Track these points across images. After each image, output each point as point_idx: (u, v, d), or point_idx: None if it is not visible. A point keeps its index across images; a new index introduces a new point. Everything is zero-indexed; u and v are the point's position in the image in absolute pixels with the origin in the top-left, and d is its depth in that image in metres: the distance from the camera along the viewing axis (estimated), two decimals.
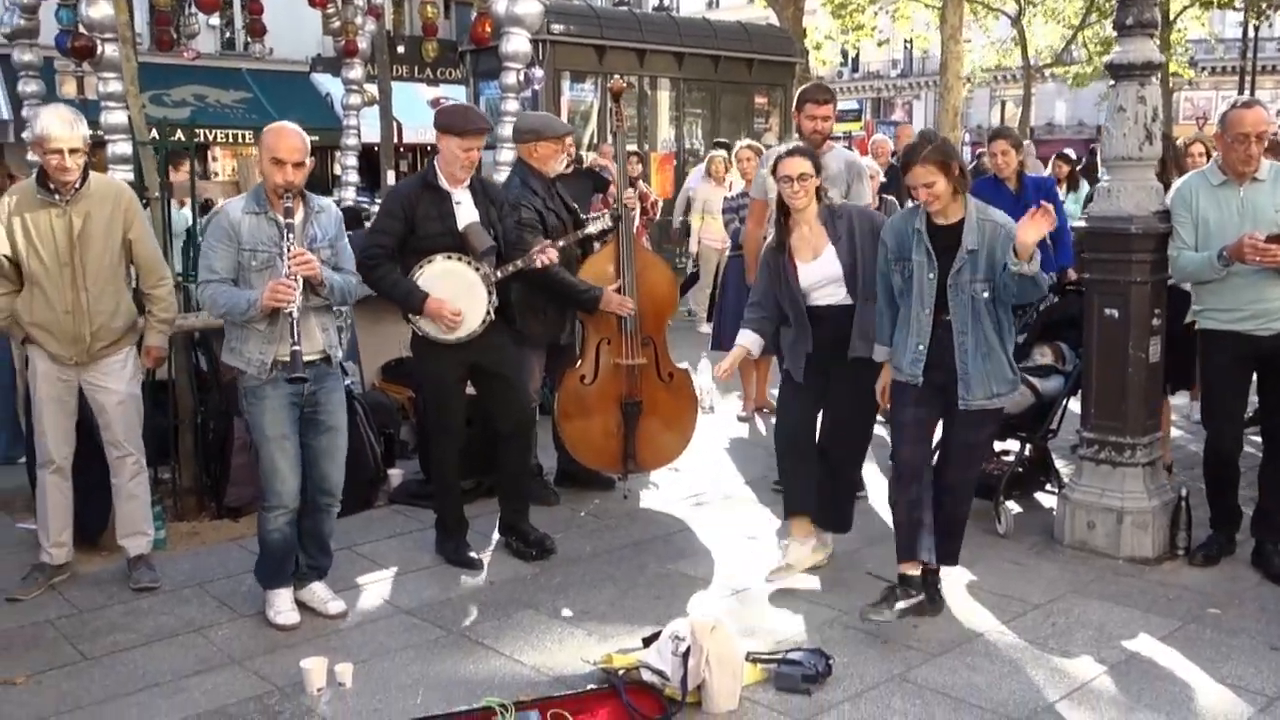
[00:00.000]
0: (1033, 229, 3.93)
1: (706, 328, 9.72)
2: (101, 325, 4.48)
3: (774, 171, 4.64)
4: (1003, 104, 43.87)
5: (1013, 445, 5.60)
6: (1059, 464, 5.81)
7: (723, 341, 7.43)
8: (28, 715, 3.57)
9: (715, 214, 10.00)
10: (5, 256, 4.34)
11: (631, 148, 12.79)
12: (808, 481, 4.73)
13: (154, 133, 6.00)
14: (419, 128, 21.23)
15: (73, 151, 4.31)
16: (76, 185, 4.38)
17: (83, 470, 4.70)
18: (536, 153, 5.54)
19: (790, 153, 4.63)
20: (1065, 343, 5.75)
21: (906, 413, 4.36)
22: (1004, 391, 4.23)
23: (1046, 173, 9.94)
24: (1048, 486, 5.75)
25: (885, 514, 4.84)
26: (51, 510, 4.60)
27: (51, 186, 4.36)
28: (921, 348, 4.22)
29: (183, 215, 7.38)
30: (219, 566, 4.88)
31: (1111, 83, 5.08)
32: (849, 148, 7.18)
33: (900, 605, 4.18)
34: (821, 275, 4.61)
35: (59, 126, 4.29)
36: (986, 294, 4.12)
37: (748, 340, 4.75)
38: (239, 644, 4.14)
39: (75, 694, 3.74)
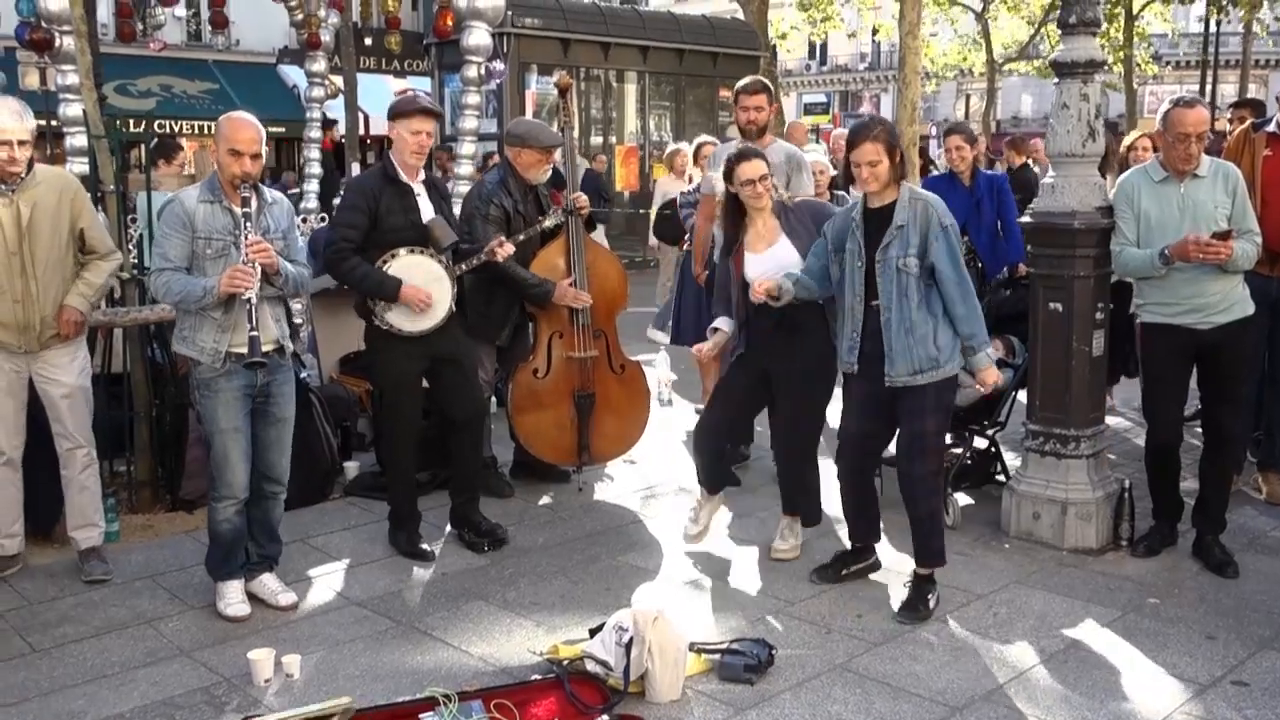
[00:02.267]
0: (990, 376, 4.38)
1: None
2: (50, 314, 4.49)
3: (727, 176, 4.72)
4: (967, 98, 44.13)
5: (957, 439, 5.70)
6: (1008, 456, 5.90)
7: (679, 335, 7.49)
8: None
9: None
10: None
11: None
12: (714, 460, 5.02)
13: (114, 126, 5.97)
14: (384, 120, 21.13)
15: (21, 143, 4.32)
16: (22, 175, 4.38)
17: (34, 462, 4.69)
18: (520, 158, 5.58)
19: (743, 156, 4.72)
20: (1015, 336, 5.84)
21: (850, 424, 4.60)
22: (926, 369, 4.26)
23: (1001, 169, 10.05)
24: (997, 479, 5.84)
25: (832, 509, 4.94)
26: (3, 503, 4.59)
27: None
28: (856, 335, 4.37)
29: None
30: (171, 559, 4.89)
31: (1056, 80, 5.17)
32: (817, 140, 7.28)
33: (847, 570, 4.62)
34: (773, 265, 4.68)
35: (8, 118, 4.28)
36: (916, 270, 4.23)
37: (725, 324, 4.83)
38: (188, 636, 4.16)
39: (23, 685, 3.75)
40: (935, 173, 8.08)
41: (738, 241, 4.77)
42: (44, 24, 6.12)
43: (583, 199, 5.73)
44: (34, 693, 3.70)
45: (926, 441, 4.39)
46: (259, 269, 4.08)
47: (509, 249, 5.09)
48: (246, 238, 4.09)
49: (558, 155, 5.89)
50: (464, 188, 6.61)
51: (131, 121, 18.01)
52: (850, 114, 44.87)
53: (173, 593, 4.54)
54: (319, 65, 9.43)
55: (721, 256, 4.91)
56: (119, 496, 5.34)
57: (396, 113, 4.83)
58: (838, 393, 4.89)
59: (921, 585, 4.42)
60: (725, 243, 4.83)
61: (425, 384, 5.11)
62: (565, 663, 3.73)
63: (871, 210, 4.34)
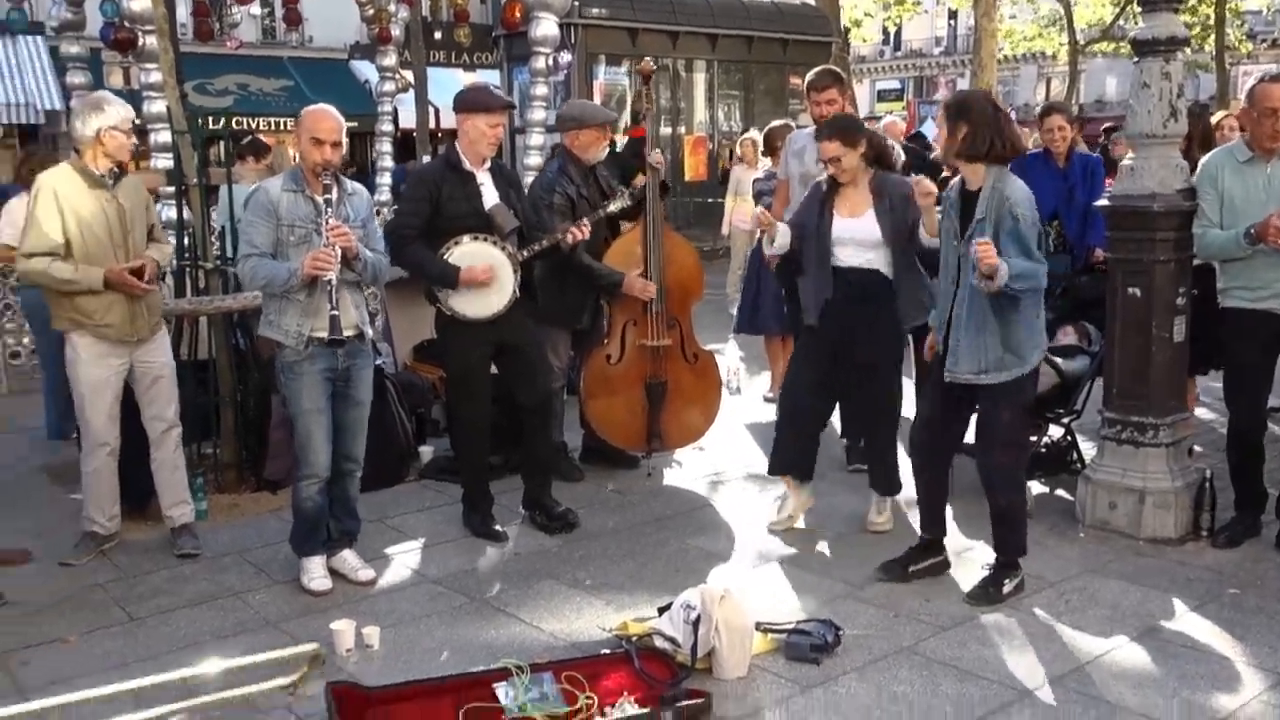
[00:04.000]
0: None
1: (733, 309, 9.80)
2: (152, 302, 4.71)
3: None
4: (1048, 81, 43.19)
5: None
6: (1084, 445, 5.83)
7: (756, 324, 7.53)
8: (78, 672, 3.75)
9: (747, 195, 10.06)
10: (58, 244, 4.50)
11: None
12: (796, 445, 5.04)
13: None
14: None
15: (120, 155, 4.60)
16: (118, 174, 4.60)
17: (127, 445, 4.89)
18: (578, 140, 5.65)
19: (819, 137, 4.80)
20: (1092, 323, 5.77)
21: (925, 402, 4.56)
22: (990, 369, 4.16)
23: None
24: (1072, 467, 5.77)
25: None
26: (104, 488, 4.81)
27: (99, 173, 4.54)
28: (944, 316, 4.33)
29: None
30: (257, 536, 5.07)
31: (1136, 59, 5.08)
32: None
33: (914, 567, 4.49)
34: (856, 232, 4.75)
35: (130, 111, 4.56)
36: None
37: (783, 235, 4.91)
38: (274, 608, 4.32)
39: (122, 651, 3.93)
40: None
41: (829, 203, 4.81)
42: (127, 24, 6.35)
43: (658, 156, 5.79)
44: (133, 658, 3.88)
45: (999, 432, 4.26)
46: (339, 253, 4.23)
47: (583, 233, 5.18)
48: (327, 223, 4.23)
49: (623, 140, 5.95)
50: (532, 179, 6.70)
51: (210, 119, 18.50)
52: (925, 100, 44.20)
53: (259, 567, 4.71)
54: (390, 60, 9.63)
55: (814, 192, 4.96)
56: (206, 477, 5.53)
57: (471, 106, 4.93)
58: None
59: (1000, 571, 4.37)
60: (818, 203, 4.87)
61: (495, 370, 5.22)
62: (634, 639, 3.80)
63: (966, 191, 4.25)
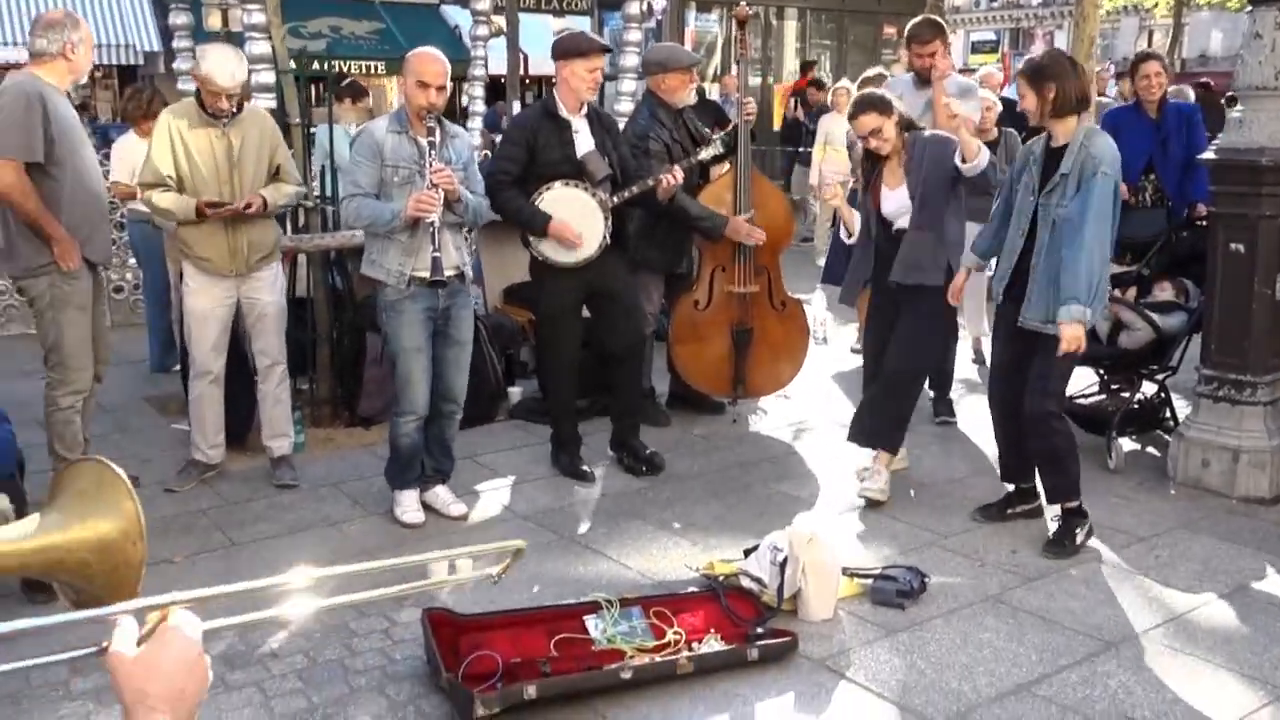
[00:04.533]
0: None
1: (821, 260, 9.73)
2: (256, 239, 4.82)
3: (851, 121, 4.82)
4: (1150, 34, 41.71)
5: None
6: (1178, 403, 5.73)
7: (835, 275, 7.49)
8: (186, 589, 3.93)
9: (837, 146, 9.94)
10: (169, 176, 4.67)
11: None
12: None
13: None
14: (545, 59, 21.41)
15: (229, 96, 4.65)
16: (233, 112, 4.70)
17: (230, 378, 5.07)
18: (664, 84, 5.65)
19: (859, 109, 4.74)
20: (1191, 279, 5.64)
21: (998, 351, 4.59)
22: (1059, 319, 4.15)
23: None
24: (1165, 424, 5.68)
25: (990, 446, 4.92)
26: (208, 416, 4.99)
27: (210, 112, 4.68)
28: (1008, 269, 4.36)
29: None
30: (351, 469, 5.22)
31: (1249, 8, 4.92)
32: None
33: (1012, 510, 4.58)
34: (901, 203, 4.75)
35: (222, 77, 4.59)
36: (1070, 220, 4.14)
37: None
38: (369, 538, 4.47)
39: (223, 574, 4.10)
40: (1112, 105, 7.72)
41: (876, 175, 4.82)
42: None
43: (751, 105, 5.75)
44: (234, 580, 4.03)
45: (1050, 382, 4.32)
46: (442, 195, 4.30)
47: (677, 178, 5.20)
48: (431, 165, 4.31)
49: (732, 89, 5.93)
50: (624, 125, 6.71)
51: (308, 61, 18.72)
52: (1020, 53, 42.99)
53: (354, 499, 4.87)
54: (483, 4, 9.62)
55: (861, 191, 5.00)
56: (303, 412, 5.70)
57: (569, 51, 4.94)
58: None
59: (1069, 520, 4.38)
60: (864, 177, 4.92)
61: (586, 314, 5.29)
62: (721, 578, 3.87)
63: (1051, 149, 4.28)
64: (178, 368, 6.15)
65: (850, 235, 4.98)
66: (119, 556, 1.49)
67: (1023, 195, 4.33)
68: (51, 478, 4.44)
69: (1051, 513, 4.56)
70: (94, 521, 1.49)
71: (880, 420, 4.85)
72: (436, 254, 4.30)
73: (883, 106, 4.68)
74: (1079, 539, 4.34)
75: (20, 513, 3.80)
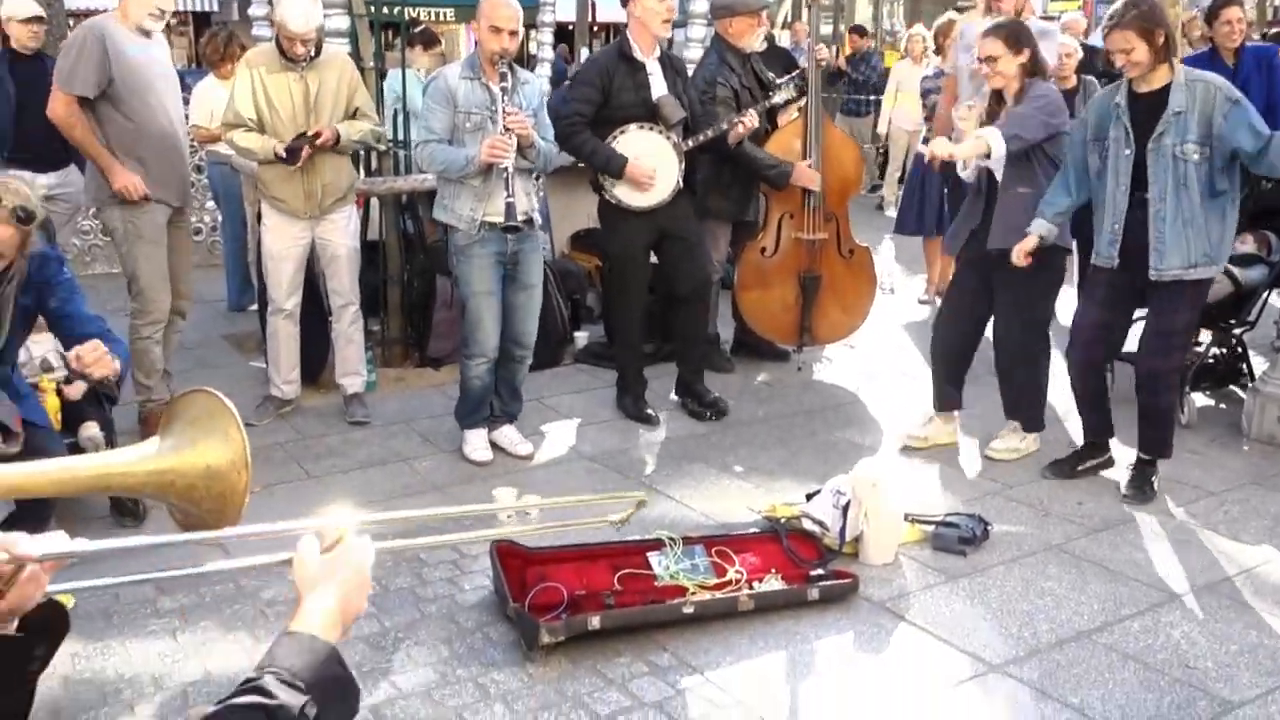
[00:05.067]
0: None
1: (893, 211, 9.65)
2: (330, 181, 4.91)
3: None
4: None
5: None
6: (1255, 360, 5.62)
7: (910, 225, 7.43)
8: (260, 518, 4.08)
9: (910, 94, 9.80)
10: (250, 118, 4.76)
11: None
12: (943, 378, 4.91)
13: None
14: (613, 6, 21.24)
15: (305, 41, 4.72)
16: (312, 55, 4.77)
17: (305, 317, 5.19)
18: (732, 28, 5.61)
19: (986, 32, 4.59)
20: (1273, 231, 5.51)
21: (1088, 314, 4.43)
22: (1200, 263, 4.08)
23: None
24: (1241, 380, 5.57)
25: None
26: (282, 352, 5.12)
27: (288, 56, 4.75)
28: (1117, 227, 4.19)
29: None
30: (422, 408, 5.34)
31: None
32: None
33: (1081, 466, 4.53)
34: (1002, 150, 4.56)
35: (296, 22, 4.66)
36: (1196, 157, 4.01)
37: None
38: (439, 474, 4.58)
39: (300, 504, 4.22)
40: (1190, 52, 7.49)
41: (990, 116, 4.62)
42: None
43: (822, 50, 5.69)
44: (310, 512, 4.17)
45: (1175, 339, 4.26)
46: (515, 139, 4.34)
47: (749, 123, 5.18)
48: (505, 110, 4.34)
49: (801, 37, 5.87)
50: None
51: (384, 7, 18.77)
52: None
53: (424, 437, 4.98)
54: None
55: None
56: (374, 352, 5.82)
57: None
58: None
59: (1145, 469, 4.37)
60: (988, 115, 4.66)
61: (654, 259, 5.32)
62: (783, 520, 3.91)
63: (1139, 95, 4.11)
64: (254, 307, 6.31)
65: (965, 167, 4.69)
66: (225, 483, 1.57)
67: (1114, 151, 4.15)
68: (138, 408, 4.61)
69: (1118, 468, 4.53)
70: (204, 449, 1.57)
71: (1017, 393, 4.77)
72: (510, 199, 4.34)
73: (1012, 39, 4.41)
74: (1156, 486, 4.33)
75: (110, 441, 3.96)
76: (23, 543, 1.19)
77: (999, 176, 4.56)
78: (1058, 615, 3.47)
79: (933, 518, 3.99)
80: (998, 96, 4.58)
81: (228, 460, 1.50)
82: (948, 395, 4.93)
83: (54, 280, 3.57)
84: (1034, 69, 4.49)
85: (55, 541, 1.24)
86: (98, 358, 3.19)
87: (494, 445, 4.78)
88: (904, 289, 7.82)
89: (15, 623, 1.20)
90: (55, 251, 3.77)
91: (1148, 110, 4.08)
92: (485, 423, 4.79)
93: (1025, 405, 4.78)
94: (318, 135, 4.74)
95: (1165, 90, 4.04)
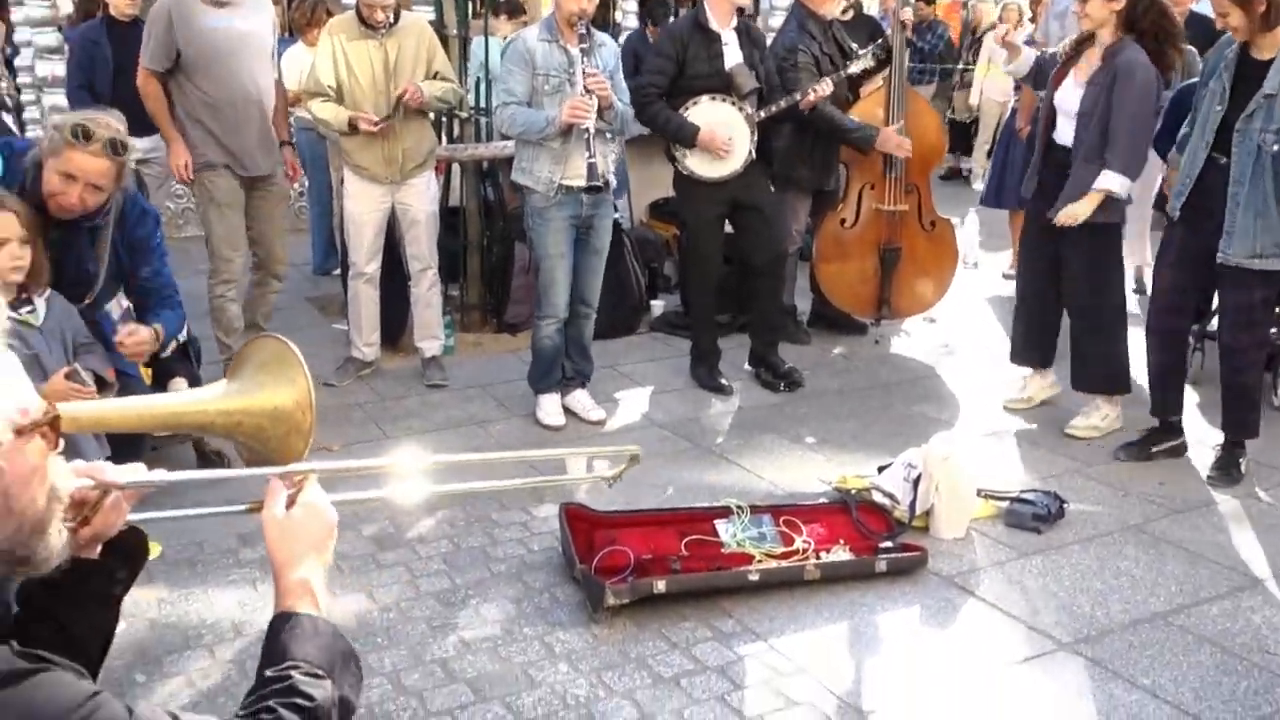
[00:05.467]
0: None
1: (979, 184, 9.46)
2: (410, 147, 4.97)
3: None
4: None
5: None
6: None
7: (995, 198, 7.27)
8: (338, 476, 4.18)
9: (1001, 65, 9.57)
10: (330, 86, 4.85)
11: None
12: (1028, 331, 4.91)
13: None
14: None
15: (385, 7, 4.79)
16: (391, 22, 4.83)
17: (386, 281, 5.28)
18: None
19: None
20: None
21: (1161, 278, 4.35)
22: (1269, 254, 3.95)
23: None
24: None
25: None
26: (363, 315, 5.23)
27: (368, 23, 4.82)
28: (1188, 181, 4.09)
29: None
30: (498, 373, 5.40)
31: None
32: None
33: (1157, 448, 4.39)
34: (1067, 101, 4.46)
35: None
36: (1276, 148, 3.86)
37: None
38: (512, 437, 4.64)
39: None
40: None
41: (1067, 61, 4.52)
42: None
43: (907, 13, 5.60)
44: (383, 471, 4.26)
45: (1253, 314, 4.14)
46: (595, 100, 4.36)
47: (824, 90, 5.13)
48: (585, 71, 4.36)
49: (872, 3, 5.77)
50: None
51: None
52: None
53: (499, 401, 5.05)
54: None
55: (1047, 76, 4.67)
56: (453, 317, 5.90)
57: None
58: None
59: (1233, 450, 4.25)
60: (1063, 61, 4.57)
61: (729, 229, 5.30)
62: (853, 492, 3.89)
63: (1249, 58, 3.94)
64: (338, 271, 6.43)
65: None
66: (290, 424, 1.64)
67: (1208, 104, 4.03)
68: (222, 366, 4.74)
69: (1204, 449, 4.42)
70: (271, 391, 1.64)
71: (1093, 364, 4.65)
72: (592, 160, 4.38)
73: None
74: (1243, 469, 4.22)
75: None
76: (109, 470, 1.26)
77: (1066, 137, 4.46)
78: (1133, 596, 3.40)
79: (1007, 493, 3.93)
80: (1087, 40, 4.46)
81: (293, 402, 1.56)
82: (1030, 351, 4.91)
83: (150, 244, 3.68)
84: (1131, 23, 4.31)
85: (137, 471, 1.30)
86: (136, 347, 3.31)
87: (567, 410, 4.83)
88: (987, 263, 7.68)
89: (98, 548, 1.27)
90: (154, 210, 3.89)
91: (1251, 79, 3.92)
92: (558, 387, 4.84)
93: (1095, 377, 4.67)
94: (404, 93, 4.78)
95: (1268, 65, 3.87)
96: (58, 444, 1.15)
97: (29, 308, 3.09)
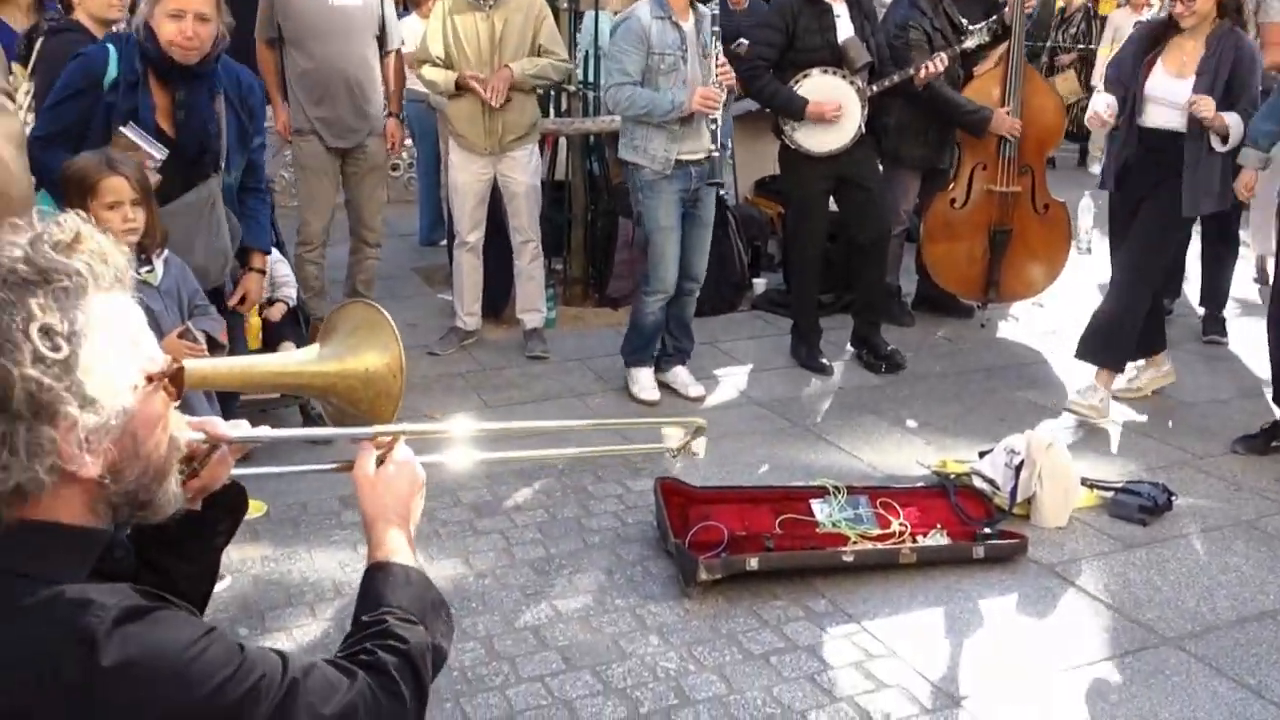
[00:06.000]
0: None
1: (1096, 168, 9.15)
2: (512, 120, 5.02)
3: None
4: None
5: None
6: None
7: (1110, 181, 7.03)
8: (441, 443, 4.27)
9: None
10: (438, 56, 4.93)
11: None
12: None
13: None
14: None
15: None
16: None
17: (491, 253, 5.36)
18: None
19: None
20: None
21: None
22: None
23: None
24: None
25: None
26: (466, 284, 5.31)
27: None
28: None
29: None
30: (598, 346, 5.44)
31: None
32: None
33: (1277, 442, 4.21)
34: (1173, 93, 4.29)
35: None
36: None
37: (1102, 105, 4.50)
38: (610, 410, 4.67)
39: None
40: None
41: (1156, 50, 4.37)
42: None
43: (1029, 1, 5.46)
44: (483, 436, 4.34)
45: None
46: (725, 91, 4.41)
47: (938, 66, 5.03)
48: (716, 63, 4.42)
49: None
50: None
51: None
52: None
53: (598, 374, 5.09)
54: None
55: (1137, 36, 4.57)
56: (555, 290, 5.96)
57: None
58: None
59: None
60: (1138, 47, 4.45)
61: (835, 207, 5.24)
62: (952, 477, 3.83)
63: None
64: (444, 241, 6.55)
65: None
66: (382, 386, 1.69)
67: None
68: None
69: None
70: (364, 355, 1.69)
71: (1100, 336, 4.56)
72: (716, 153, 4.56)
73: None
74: None
75: None
76: (219, 425, 1.31)
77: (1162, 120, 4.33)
78: (1241, 593, 3.29)
79: (1112, 484, 3.83)
80: (1171, 28, 4.34)
81: (385, 365, 1.60)
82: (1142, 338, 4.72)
83: (259, 111, 3.74)
84: (1237, 11, 4.28)
85: (243, 427, 1.36)
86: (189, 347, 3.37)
87: (665, 386, 4.84)
88: (1101, 248, 7.43)
89: (200, 502, 1.32)
90: (260, 83, 3.99)
91: None
92: (653, 361, 4.88)
93: (1099, 344, 4.53)
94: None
95: None
96: (179, 396, 1.21)
97: (148, 268, 3.21)
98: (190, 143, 3.43)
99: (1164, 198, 4.37)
